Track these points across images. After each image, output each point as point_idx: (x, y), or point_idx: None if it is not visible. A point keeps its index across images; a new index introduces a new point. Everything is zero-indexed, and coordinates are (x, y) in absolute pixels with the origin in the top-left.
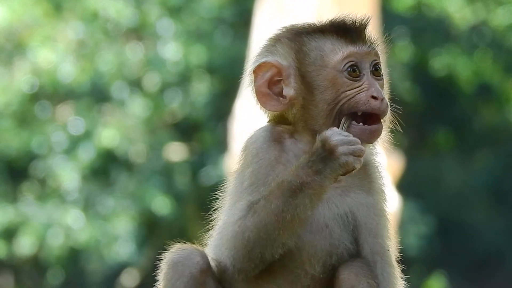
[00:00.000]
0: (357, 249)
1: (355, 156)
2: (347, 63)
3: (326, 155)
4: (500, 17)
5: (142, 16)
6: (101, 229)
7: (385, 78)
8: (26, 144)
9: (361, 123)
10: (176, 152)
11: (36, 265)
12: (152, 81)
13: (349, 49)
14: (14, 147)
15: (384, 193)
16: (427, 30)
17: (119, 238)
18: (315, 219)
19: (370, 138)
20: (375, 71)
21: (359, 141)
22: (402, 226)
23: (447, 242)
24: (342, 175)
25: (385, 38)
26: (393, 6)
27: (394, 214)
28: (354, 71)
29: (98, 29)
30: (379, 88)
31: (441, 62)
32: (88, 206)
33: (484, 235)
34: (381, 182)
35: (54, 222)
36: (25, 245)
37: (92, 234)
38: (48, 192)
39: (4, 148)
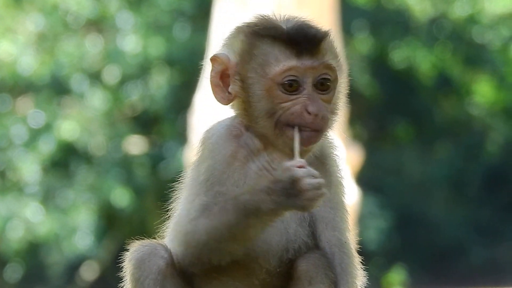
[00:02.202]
0: (315, 243)
1: (318, 199)
2: (286, 76)
3: (292, 193)
4: (460, 10)
5: (102, 8)
6: (61, 222)
7: (340, 93)
8: None
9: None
10: (135, 144)
11: None
12: (111, 73)
13: (292, 62)
14: None
15: (342, 185)
16: (387, 23)
17: (78, 230)
18: None
19: (306, 143)
20: (321, 85)
21: (324, 183)
22: (362, 219)
23: (407, 234)
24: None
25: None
26: None
27: (354, 207)
28: (291, 85)
29: (58, 21)
30: (320, 104)
31: (401, 54)
32: (47, 198)
33: (444, 227)
34: (339, 175)
35: (13, 215)
36: None
37: (51, 227)
38: (8, 185)
39: None
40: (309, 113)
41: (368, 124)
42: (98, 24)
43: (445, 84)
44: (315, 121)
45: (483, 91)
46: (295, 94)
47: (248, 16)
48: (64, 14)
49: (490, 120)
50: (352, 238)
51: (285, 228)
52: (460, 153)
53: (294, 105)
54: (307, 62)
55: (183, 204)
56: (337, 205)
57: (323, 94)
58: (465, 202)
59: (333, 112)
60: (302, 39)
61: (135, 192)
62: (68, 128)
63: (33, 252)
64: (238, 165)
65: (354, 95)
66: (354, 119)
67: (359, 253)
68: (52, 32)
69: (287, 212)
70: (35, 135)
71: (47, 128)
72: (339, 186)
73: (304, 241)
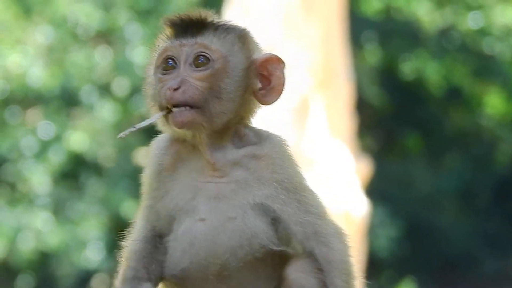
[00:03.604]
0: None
1: None
2: (163, 58)
3: None
4: (469, 21)
5: (111, 20)
6: (71, 234)
7: (217, 66)
8: None
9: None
10: (145, 156)
11: (6, 270)
12: (121, 85)
13: (167, 43)
14: None
15: (297, 175)
16: (396, 34)
17: (89, 242)
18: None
19: (175, 124)
20: (195, 62)
21: None
22: (372, 229)
23: (417, 245)
24: None
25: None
26: (361, 9)
27: (363, 218)
28: (166, 65)
29: (67, 33)
30: (185, 79)
31: (410, 66)
32: (58, 210)
33: (454, 238)
34: (289, 165)
35: (24, 226)
36: None
37: (62, 238)
38: (18, 196)
39: None
40: (168, 88)
41: (377, 135)
42: (107, 35)
43: (455, 95)
44: (174, 96)
45: (492, 103)
46: (169, 74)
47: (255, 29)
48: (74, 26)
49: (500, 131)
50: (333, 223)
51: (239, 224)
52: (470, 164)
53: (164, 85)
54: (182, 41)
55: (137, 217)
56: (299, 196)
57: (198, 71)
58: (475, 213)
59: (206, 89)
60: (180, 22)
61: None
62: (78, 139)
63: (44, 263)
64: (166, 174)
65: (363, 106)
66: (364, 131)
67: (370, 262)
68: (62, 43)
69: None
70: (44, 146)
71: (57, 139)
72: (293, 177)
73: (265, 236)
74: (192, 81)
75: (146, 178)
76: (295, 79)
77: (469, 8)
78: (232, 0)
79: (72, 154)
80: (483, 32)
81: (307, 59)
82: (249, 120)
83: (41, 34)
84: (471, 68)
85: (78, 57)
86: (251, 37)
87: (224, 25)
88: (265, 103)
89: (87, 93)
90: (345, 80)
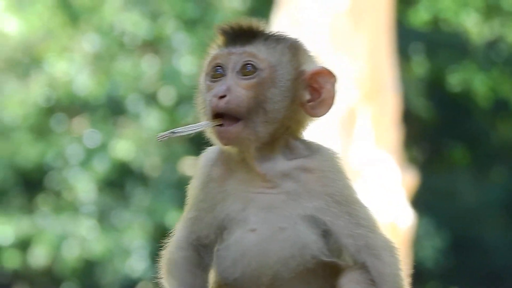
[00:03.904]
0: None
1: None
2: (212, 65)
3: None
4: None
5: (158, 29)
6: (116, 242)
7: (264, 75)
8: (41, 157)
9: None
10: (191, 166)
11: (51, 277)
12: (167, 94)
13: (217, 51)
14: (29, 159)
15: (348, 188)
16: (443, 46)
17: (133, 251)
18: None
19: (221, 141)
20: (243, 71)
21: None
22: (418, 240)
23: (462, 257)
24: None
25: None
26: (409, 21)
27: (409, 230)
28: (215, 72)
29: (114, 42)
30: (231, 87)
31: (457, 77)
32: (102, 218)
33: (499, 251)
34: (340, 178)
35: (68, 234)
36: (40, 257)
37: (106, 246)
38: (63, 204)
39: (20, 160)
40: (214, 96)
41: (424, 147)
42: (154, 44)
43: (502, 107)
44: (218, 104)
45: None
46: (218, 82)
47: (303, 40)
48: (120, 34)
49: None
50: (383, 236)
51: (290, 235)
52: None
53: (211, 92)
54: (231, 49)
55: (179, 223)
56: (350, 209)
57: (245, 80)
58: None
59: (251, 98)
60: (231, 30)
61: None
62: (123, 148)
63: (88, 271)
64: (215, 185)
65: (410, 118)
66: (410, 142)
67: (415, 272)
68: (108, 52)
69: None
70: (90, 154)
71: (103, 147)
72: (344, 190)
73: (316, 247)
74: (238, 89)
75: (193, 189)
76: (342, 90)
77: None
78: (280, 10)
79: (118, 162)
80: None
81: (354, 71)
82: (300, 133)
83: (88, 42)
84: None
85: (124, 66)
86: (304, 48)
87: (275, 35)
88: (314, 115)
89: (133, 101)
90: (392, 91)
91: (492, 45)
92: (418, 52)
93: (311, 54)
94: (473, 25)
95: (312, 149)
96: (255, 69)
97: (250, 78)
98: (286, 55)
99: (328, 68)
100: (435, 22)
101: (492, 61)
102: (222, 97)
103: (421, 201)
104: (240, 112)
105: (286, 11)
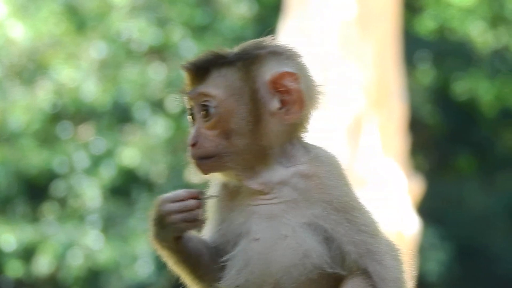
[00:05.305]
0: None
1: (188, 222)
2: (187, 109)
3: (160, 220)
4: None
5: (165, 36)
6: (121, 250)
7: (221, 110)
8: (47, 164)
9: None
10: (196, 173)
11: (55, 286)
12: (174, 102)
13: (184, 95)
14: (35, 166)
15: (348, 196)
16: (449, 54)
17: (138, 258)
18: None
19: (200, 172)
20: (204, 112)
21: (194, 205)
22: (422, 251)
23: (469, 266)
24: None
25: None
26: (415, 29)
27: (414, 238)
28: (190, 114)
29: (121, 49)
30: (197, 133)
31: (463, 86)
32: (108, 226)
33: (506, 260)
34: (339, 184)
35: (73, 242)
36: (44, 265)
37: (111, 255)
38: (68, 211)
39: (25, 167)
40: (188, 144)
41: (430, 155)
42: (161, 52)
43: (507, 116)
44: (192, 152)
45: None
46: (193, 126)
47: (311, 48)
48: (127, 41)
49: None
50: (386, 240)
51: (287, 245)
52: None
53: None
54: (191, 92)
55: None
56: (349, 216)
57: (207, 121)
58: None
59: (218, 136)
60: (188, 69)
61: None
62: (130, 155)
63: (93, 279)
64: (222, 204)
65: (415, 126)
66: (416, 150)
67: (420, 285)
68: (115, 59)
69: (172, 243)
70: (96, 162)
71: (109, 155)
72: (343, 197)
73: (318, 255)
74: (204, 132)
75: (208, 207)
76: (349, 98)
77: None
78: (287, 18)
79: (124, 169)
80: None
81: (361, 78)
82: (295, 137)
83: (94, 49)
84: None
85: (131, 73)
86: (261, 58)
87: (227, 60)
88: (291, 120)
89: (139, 109)
90: (398, 99)
91: (498, 54)
92: (425, 61)
93: (274, 57)
94: (478, 34)
95: (311, 154)
96: (211, 108)
97: (210, 119)
98: (238, 77)
99: (285, 70)
100: (441, 31)
101: (498, 70)
102: (193, 144)
103: (427, 209)
104: (211, 153)
105: (294, 18)
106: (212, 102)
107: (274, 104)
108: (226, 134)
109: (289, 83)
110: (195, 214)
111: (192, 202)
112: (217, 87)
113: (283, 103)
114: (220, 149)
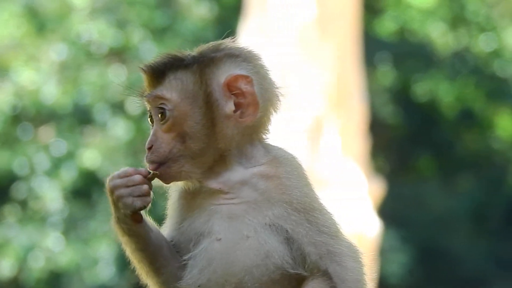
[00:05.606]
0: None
1: (134, 196)
2: (147, 111)
3: (112, 198)
4: (483, 43)
5: (125, 38)
6: (82, 252)
7: (175, 114)
8: (7, 166)
9: None
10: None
11: None
12: (134, 104)
13: (142, 98)
14: None
15: (307, 196)
16: (410, 56)
17: (100, 261)
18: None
19: (162, 182)
20: (160, 115)
21: (140, 181)
22: (383, 253)
23: (430, 268)
24: (132, 216)
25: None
26: (376, 31)
27: (375, 240)
28: (149, 117)
29: (81, 51)
30: (154, 136)
31: (424, 87)
32: (69, 228)
33: (467, 261)
34: (300, 184)
35: (35, 245)
36: (5, 267)
37: (73, 257)
38: (29, 213)
39: None
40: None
41: (390, 156)
42: (121, 53)
43: (468, 117)
44: (148, 156)
45: (505, 125)
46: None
47: (271, 48)
48: (87, 43)
49: None
50: (346, 242)
51: (249, 246)
52: (482, 186)
53: None
54: (148, 95)
55: None
56: (309, 217)
57: (163, 124)
58: (487, 235)
59: (173, 139)
60: (145, 71)
61: (158, 222)
62: (90, 157)
63: (55, 282)
64: (183, 202)
65: (376, 127)
66: (377, 152)
67: (381, 287)
68: (75, 61)
69: (130, 225)
70: (57, 163)
71: (69, 156)
72: (303, 197)
73: (279, 255)
74: (161, 135)
75: (168, 205)
76: (309, 99)
77: (482, 30)
78: (247, 19)
79: (84, 171)
80: (495, 54)
81: (321, 80)
82: (255, 139)
83: (54, 51)
84: (483, 90)
85: (91, 75)
86: (216, 61)
87: (183, 63)
88: (247, 123)
89: (100, 111)
90: (358, 100)
91: (458, 55)
92: (385, 62)
93: (230, 60)
94: (439, 36)
95: (271, 155)
96: (167, 111)
97: (166, 122)
98: (193, 81)
99: (237, 73)
100: (402, 32)
101: (458, 71)
102: (149, 148)
103: (387, 210)
104: (166, 158)
105: (254, 19)
106: (167, 106)
107: (229, 106)
108: (182, 137)
109: (243, 86)
110: (141, 189)
111: (138, 177)
112: (172, 90)
113: (238, 105)
114: (174, 152)
